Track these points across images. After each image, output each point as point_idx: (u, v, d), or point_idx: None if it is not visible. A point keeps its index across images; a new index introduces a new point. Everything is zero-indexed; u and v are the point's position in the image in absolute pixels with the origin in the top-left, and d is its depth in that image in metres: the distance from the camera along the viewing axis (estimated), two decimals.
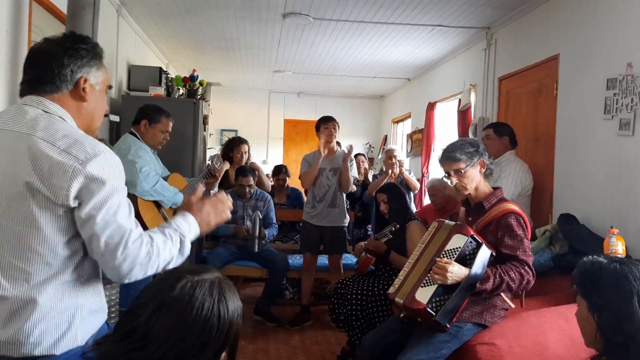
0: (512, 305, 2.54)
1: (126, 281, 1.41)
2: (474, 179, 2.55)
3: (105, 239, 1.36)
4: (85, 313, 1.42)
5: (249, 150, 5.16)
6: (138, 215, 3.06)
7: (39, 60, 1.45)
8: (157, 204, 3.30)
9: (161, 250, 1.44)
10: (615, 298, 1.44)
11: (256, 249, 4.47)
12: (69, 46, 1.44)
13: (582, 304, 1.53)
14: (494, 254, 2.39)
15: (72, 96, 1.47)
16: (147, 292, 1.08)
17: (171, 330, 1.01)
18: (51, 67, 1.43)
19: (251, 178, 4.68)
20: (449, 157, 2.55)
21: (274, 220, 4.86)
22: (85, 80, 1.47)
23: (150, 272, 1.44)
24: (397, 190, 3.82)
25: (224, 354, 1.09)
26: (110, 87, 1.62)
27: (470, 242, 2.37)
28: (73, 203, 1.34)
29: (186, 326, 1.02)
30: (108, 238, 1.36)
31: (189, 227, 1.54)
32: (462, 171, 2.51)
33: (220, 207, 1.66)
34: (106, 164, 1.37)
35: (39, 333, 1.34)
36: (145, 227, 3.14)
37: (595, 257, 1.55)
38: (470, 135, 5.14)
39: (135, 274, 1.40)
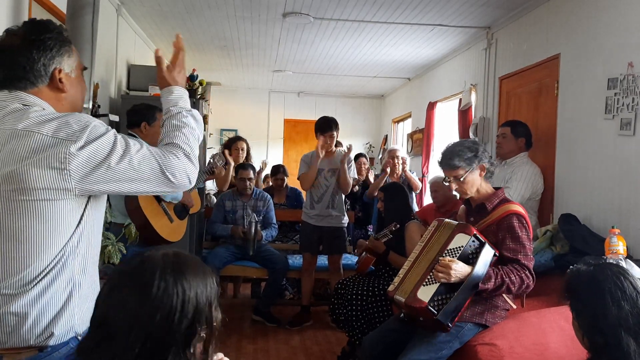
0: (514, 306, 2.53)
1: (194, 183, 1.53)
2: (474, 184, 2.53)
3: (145, 181, 1.41)
4: (83, 305, 1.42)
5: (247, 149, 5.16)
6: (139, 209, 3.07)
7: (7, 59, 1.40)
8: (158, 198, 3.32)
9: (188, 137, 1.52)
10: (590, 299, 1.49)
11: (251, 253, 4.48)
12: (34, 39, 1.40)
13: (572, 314, 1.58)
14: (496, 254, 2.38)
15: (50, 89, 1.44)
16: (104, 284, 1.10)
17: (129, 306, 1.00)
18: (21, 64, 1.39)
19: (251, 172, 4.68)
20: (447, 164, 2.52)
21: (274, 221, 4.85)
22: (60, 71, 1.44)
23: (196, 152, 1.54)
24: (398, 189, 3.80)
25: (202, 334, 1.04)
26: (85, 68, 1.58)
27: (473, 241, 2.36)
28: (80, 191, 1.34)
29: (144, 297, 1.00)
30: (148, 177, 1.41)
31: (181, 97, 1.60)
32: (461, 179, 2.49)
33: (183, 63, 1.69)
34: (95, 131, 1.36)
35: (33, 322, 1.33)
36: (147, 221, 3.14)
37: (576, 265, 1.62)
38: (471, 135, 5.13)
39: (192, 173, 1.49)
